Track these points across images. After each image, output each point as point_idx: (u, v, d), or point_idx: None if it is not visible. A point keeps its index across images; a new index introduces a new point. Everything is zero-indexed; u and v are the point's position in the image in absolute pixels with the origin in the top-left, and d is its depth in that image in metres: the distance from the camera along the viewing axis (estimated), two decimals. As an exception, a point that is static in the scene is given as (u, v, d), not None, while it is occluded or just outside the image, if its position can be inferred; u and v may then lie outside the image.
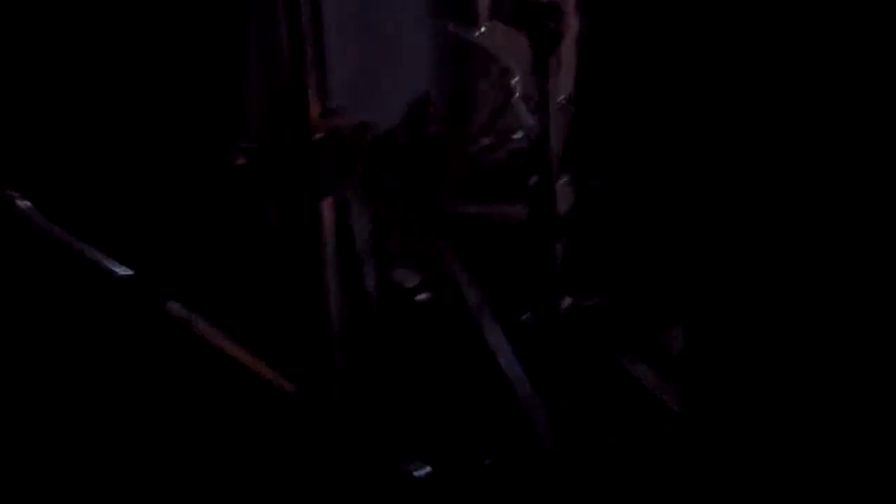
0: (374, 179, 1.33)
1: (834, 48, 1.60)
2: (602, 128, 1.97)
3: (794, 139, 1.71)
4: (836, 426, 1.58)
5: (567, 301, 1.91)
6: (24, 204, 1.53)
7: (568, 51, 1.97)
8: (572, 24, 1.93)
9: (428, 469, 1.60)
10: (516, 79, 2.33)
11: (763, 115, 1.76)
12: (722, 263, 1.73)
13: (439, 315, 1.89)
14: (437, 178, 1.65)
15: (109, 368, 1.64)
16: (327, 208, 1.30)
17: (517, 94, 2.36)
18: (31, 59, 1.72)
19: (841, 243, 1.62)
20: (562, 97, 1.97)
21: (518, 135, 2.43)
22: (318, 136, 1.28)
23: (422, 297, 1.99)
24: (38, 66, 1.73)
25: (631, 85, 1.95)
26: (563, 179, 1.89)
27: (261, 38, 1.35)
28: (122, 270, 1.53)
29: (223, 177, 1.47)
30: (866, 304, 1.59)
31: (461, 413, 1.84)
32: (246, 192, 1.46)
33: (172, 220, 1.64)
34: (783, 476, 1.60)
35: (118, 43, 1.65)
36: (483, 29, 2.19)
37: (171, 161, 1.63)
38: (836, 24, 1.59)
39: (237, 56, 1.52)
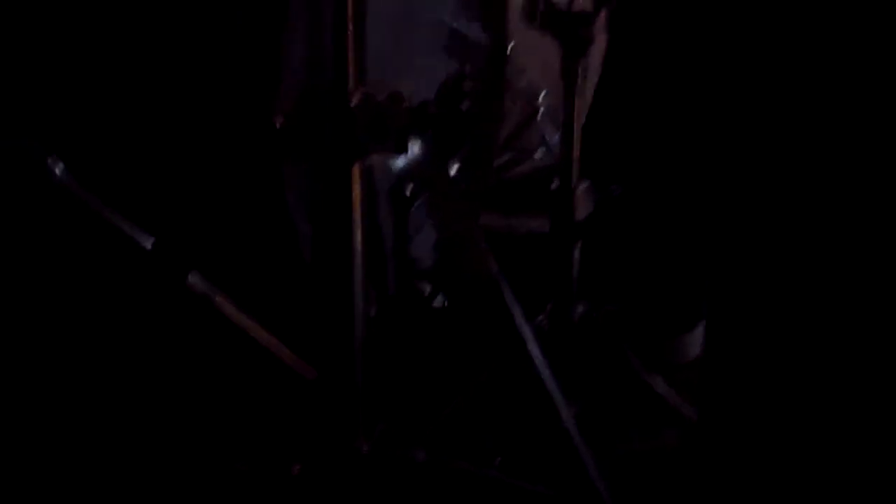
0: (406, 147, 1.37)
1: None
2: (622, 135, 2.01)
3: (815, 150, 1.74)
4: (857, 437, 1.59)
5: (582, 306, 1.93)
6: (59, 167, 1.56)
7: (594, 63, 2.01)
8: (600, 39, 1.98)
9: (424, 454, 1.61)
10: (543, 94, 2.38)
11: (780, 127, 1.79)
12: (740, 268, 1.75)
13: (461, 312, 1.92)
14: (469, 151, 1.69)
15: (126, 336, 1.66)
16: (358, 172, 1.34)
17: (542, 111, 2.40)
18: (63, 24, 1.77)
19: (868, 248, 1.63)
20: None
21: (540, 151, 2.46)
22: (354, 102, 1.32)
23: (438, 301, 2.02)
24: (68, 32, 1.77)
25: (651, 95, 1.99)
26: (583, 185, 1.92)
27: (303, 9, 1.39)
28: (147, 240, 1.56)
29: (259, 141, 1.51)
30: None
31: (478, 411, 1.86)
32: (282, 155, 1.50)
33: (199, 190, 1.67)
34: (794, 484, 1.61)
35: (152, 11, 1.69)
36: (512, 44, 2.23)
37: (202, 129, 1.67)
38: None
39: (276, 25, 1.58)
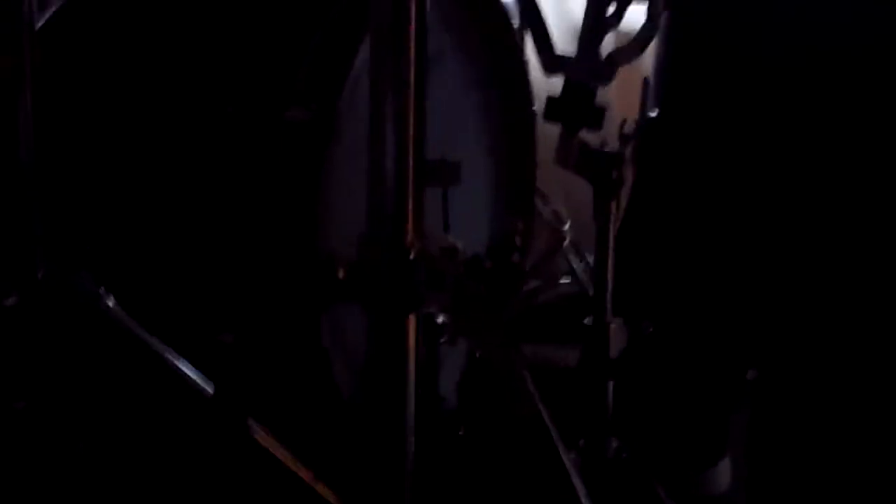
0: (462, 298, 1.41)
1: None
2: (654, 273, 2.05)
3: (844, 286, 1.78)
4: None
5: (615, 443, 1.94)
6: (110, 301, 1.58)
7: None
8: (627, 174, 2.03)
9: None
10: (567, 224, 2.43)
11: (812, 266, 1.83)
12: (776, 412, 1.78)
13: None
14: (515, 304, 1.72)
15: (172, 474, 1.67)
16: (413, 321, 1.38)
17: (567, 240, 2.45)
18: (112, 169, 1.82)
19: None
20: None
21: (566, 279, 2.50)
22: (412, 254, 1.36)
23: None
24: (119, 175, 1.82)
25: (682, 232, 2.04)
26: (615, 322, 1.94)
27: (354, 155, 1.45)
28: (208, 385, 1.57)
29: (319, 286, 1.54)
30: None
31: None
32: (342, 301, 1.53)
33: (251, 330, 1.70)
34: None
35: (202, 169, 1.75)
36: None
37: (255, 271, 1.71)
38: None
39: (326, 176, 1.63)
